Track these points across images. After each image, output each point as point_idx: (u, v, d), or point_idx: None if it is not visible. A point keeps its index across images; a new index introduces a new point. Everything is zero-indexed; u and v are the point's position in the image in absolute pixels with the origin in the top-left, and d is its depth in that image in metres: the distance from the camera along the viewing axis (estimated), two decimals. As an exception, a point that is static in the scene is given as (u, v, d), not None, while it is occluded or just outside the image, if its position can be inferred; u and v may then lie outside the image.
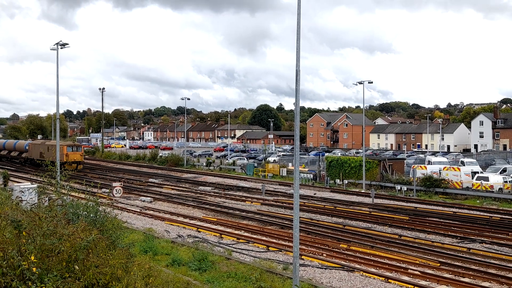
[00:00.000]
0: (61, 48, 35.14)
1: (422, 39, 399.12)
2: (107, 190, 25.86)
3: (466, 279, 17.09)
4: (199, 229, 25.78)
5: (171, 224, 27.35)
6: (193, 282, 14.52)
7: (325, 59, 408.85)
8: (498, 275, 17.50)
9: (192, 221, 28.48)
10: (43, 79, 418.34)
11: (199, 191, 43.01)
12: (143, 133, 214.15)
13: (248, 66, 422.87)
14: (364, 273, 17.51)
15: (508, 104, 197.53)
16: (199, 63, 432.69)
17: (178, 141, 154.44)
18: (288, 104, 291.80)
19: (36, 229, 7.85)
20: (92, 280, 7.62)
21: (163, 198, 38.26)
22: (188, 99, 78.44)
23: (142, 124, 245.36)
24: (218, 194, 41.11)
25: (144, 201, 36.48)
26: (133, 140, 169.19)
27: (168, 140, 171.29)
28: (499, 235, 24.69)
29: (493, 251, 21.43)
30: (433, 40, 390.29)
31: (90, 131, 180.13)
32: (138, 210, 32.06)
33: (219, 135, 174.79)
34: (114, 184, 38.54)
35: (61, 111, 51.67)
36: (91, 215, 12.19)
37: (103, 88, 78.91)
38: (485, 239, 23.57)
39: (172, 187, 45.28)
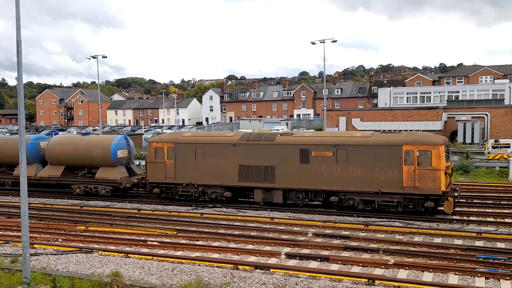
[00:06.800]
0: None
1: (148, 15, 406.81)
2: None
3: (200, 242, 18.55)
4: None
5: None
6: None
7: (48, 30, 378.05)
8: (226, 234, 19.56)
9: None
10: None
11: None
12: None
13: None
14: (103, 252, 17.26)
15: (233, 80, 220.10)
16: None
17: None
18: (12, 80, 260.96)
19: None
20: None
21: None
22: None
23: None
24: None
25: None
26: None
27: None
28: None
29: (222, 213, 23.75)
30: (160, 17, 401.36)
31: None
32: None
33: None
34: None
35: None
36: None
37: None
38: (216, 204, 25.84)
39: None
